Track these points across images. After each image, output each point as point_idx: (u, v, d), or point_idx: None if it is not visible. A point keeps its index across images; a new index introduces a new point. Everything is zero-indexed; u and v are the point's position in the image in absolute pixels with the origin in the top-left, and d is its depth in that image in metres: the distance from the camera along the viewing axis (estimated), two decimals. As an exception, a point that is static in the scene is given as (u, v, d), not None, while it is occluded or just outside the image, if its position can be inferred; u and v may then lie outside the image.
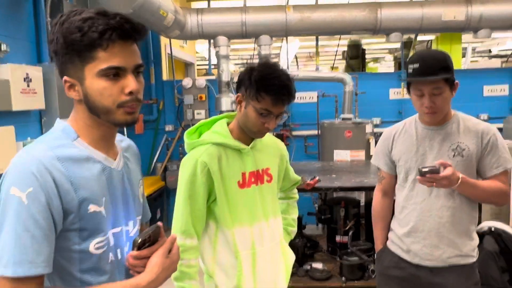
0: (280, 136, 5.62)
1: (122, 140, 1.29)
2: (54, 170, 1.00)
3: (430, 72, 1.78)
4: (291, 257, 1.88)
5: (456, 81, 1.87)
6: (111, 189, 1.13)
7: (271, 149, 1.81)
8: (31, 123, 3.63)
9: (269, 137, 1.84)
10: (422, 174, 1.71)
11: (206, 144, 1.67)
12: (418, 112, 1.95)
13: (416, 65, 1.81)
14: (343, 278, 3.52)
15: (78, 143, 1.09)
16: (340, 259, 3.57)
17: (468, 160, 1.88)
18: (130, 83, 1.06)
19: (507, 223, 4.47)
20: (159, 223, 1.15)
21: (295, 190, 2.08)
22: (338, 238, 3.86)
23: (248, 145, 1.70)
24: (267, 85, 1.56)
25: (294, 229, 2.04)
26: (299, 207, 5.16)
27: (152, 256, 1.10)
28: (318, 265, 3.69)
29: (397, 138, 2.04)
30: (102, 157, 1.13)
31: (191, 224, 1.64)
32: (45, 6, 3.78)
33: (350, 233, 3.64)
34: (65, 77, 1.07)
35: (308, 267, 3.66)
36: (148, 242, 1.11)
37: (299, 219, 4.20)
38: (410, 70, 1.84)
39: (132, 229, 1.21)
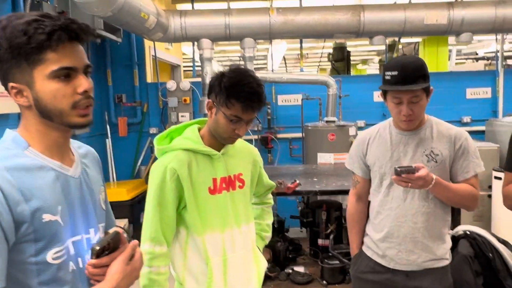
0: (265, 139, 5.62)
1: (80, 147, 1.27)
2: (2, 181, 0.97)
3: (410, 81, 1.78)
4: (263, 264, 1.87)
5: (431, 87, 1.88)
6: (68, 197, 1.10)
7: (243, 155, 1.81)
8: (9, 127, 3.57)
9: (241, 143, 1.84)
10: (397, 173, 1.72)
11: (176, 150, 1.66)
12: (394, 118, 1.95)
13: (395, 73, 1.80)
14: (324, 282, 3.52)
15: (29, 152, 1.06)
16: (321, 263, 3.57)
17: (442, 165, 1.90)
18: (83, 82, 1.05)
19: (488, 226, 4.52)
20: (119, 229, 1.13)
21: (270, 196, 2.08)
22: (320, 242, 3.86)
23: (219, 151, 1.69)
24: (237, 92, 1.55)
25: (269, 235, 2.02)
26: (283, 210, 5.17)
27: (112, 264, 1.07)
28: (299, 269, 3.69)
29: (371, 142, 2.04)
30: (57, 165, 1.10)
31: (161, 231, 1.63)
32: (24, 8, 3.74)
33: (331, 236, 3.64)
34: (11, 84, 1.03)
35: (290, 271, 3.66)
36: (107, 249, 1.08)
37: (281, 223, 4.21)
38: (387, 77, 1.83)
39: (93, 236, 1.18)
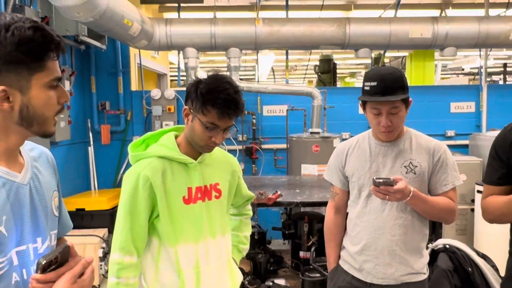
0: (249, 149, 5.60)
1: (32, 149, 1.22)
2: None
3: (389, 92, 1.78)
4: (238, 277, 1.83)
5: (410, 98, 1.87)
6: (15, 205, 1.05)
7: (221, 164, 1.78)
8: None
9: (220, 152, 1.81)
10: (376, 184, 1.72)
11: (150, 157, 1.62)
12: (373, 129, 1.94)
13: (374, 83, 1.80)
14: (305, 295, 3.47)
15: None
16: (302, 276, 3.53)
17: (420, 177, 1.89)
18: (65, 93, 1.10)
19: (471, 240, 4.53)
20: (69, 243, 1.07)
21: (249, 207, 2.04)
22: (302, 254, 3.82)
23: (196, 159, 1.66)
24: (213, 98, 1.53)
25: (246, 247, 1.98)
26: (265, 221, 5.14)
27: (58, 281, 1.01)
28: (280, 281, 3.64)
29: (350, 153, 2.03)
30: (3, 171, 1.05)
31: (131, 241, 1.58)
32: (5, 9, 3.68)
33: (313, 248, 3.61)
34: (2, 87, 1.00)
35: (270, 283, 3.60)
36: (54, 263, 1.01)
37: (263, 234, 4.16)
38: (367, 88, 1.83)
39: (41, 245, 1.13)
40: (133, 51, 5.75)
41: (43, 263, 0.99)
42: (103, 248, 4.34)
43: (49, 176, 1.23)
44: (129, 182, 1.59)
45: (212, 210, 1.70)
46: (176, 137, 1.69)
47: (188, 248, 1.63)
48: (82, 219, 4.46)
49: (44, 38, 1.01)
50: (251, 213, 2.04)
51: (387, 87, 1.78)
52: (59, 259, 1.01)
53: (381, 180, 1.71)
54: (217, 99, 1.53)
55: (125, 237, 1.58)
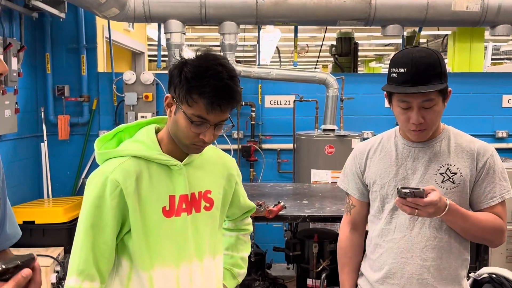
0: (247, 150, 5.62)
1: None
2: None
3: (422, 81, 1.79)
4: None
5: (450, 88, 1.88)
6: None
7: (215, 167, 1.77)
8: None
9: (213, 151, 1.81)
10: (401, 195, 1.72)
11: (123, 157, 1.61)
12: (402, 127, 1.96)
13: (403, 70, 1.82)
14: (313, 336, 3.48)
15: None
16: (310, 310, 3.53)
17: (460, 187, 1.91)
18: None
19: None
20: (34, 255, 1.07)
21: (248, 220, 2.05)
22: (310, 282, 3.82)
23: (182, 160, 1.65)
24: (201, 85, 1.48)
25: (243, 271, 1.99)
26: (264, 239, 5.15)
27: None
28: (282, 317, 3.64)
29: (371, 156, 2.05)
30: None
31: (92, 262, 1.57)
32: None
33: (324, 275, 3.61)
34: None
35: (269, 320, 3.61)
36: (11, 273, 1.01)
37: (262, 256, 4.16)
38: (394, 75, 1.84)
39: None
40: (100, 22, 5.75)
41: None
42: (57, 272, 4.35)
43: None
44: (94, 187, 1.58)
45: (200, 224, 1.69)
46: (157, 131, 1.68)
47: (167, 273, 1.62)
48: (31, 235, 4.46)
49: None
50: (251, 228, 2.05)
51: (419, 74, 1.79)
52: (18, 270, 1.02)
53: (407, 191, 1.72)
54: (206, 86, 1.48)
55: (84, 257, 1.56)
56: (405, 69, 1.80)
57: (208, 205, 1.71)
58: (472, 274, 2.55)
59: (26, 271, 1.04)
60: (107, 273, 1.62)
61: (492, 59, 12.56)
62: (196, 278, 1.67)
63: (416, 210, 1.73)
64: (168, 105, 1.59)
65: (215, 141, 5.11)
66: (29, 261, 1.04)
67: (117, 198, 1.56)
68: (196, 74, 1.50)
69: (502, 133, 5.75)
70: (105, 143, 1.69)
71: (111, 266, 1.63)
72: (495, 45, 11.96)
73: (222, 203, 1.77)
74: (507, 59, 13.85)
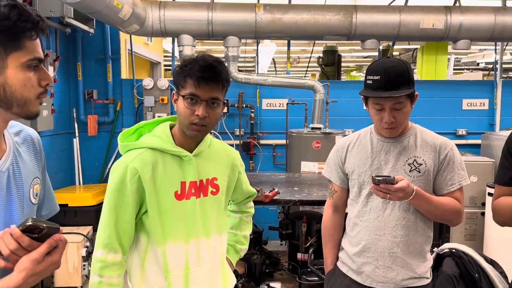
0: (247, 145, 5.60)
1: (18, 132, 1.28)
2: None
3: (392, 86, 1.78)
4: (231, 280, 1.80)
5: (416, 92, 1.88)
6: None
7: (220, 158, 1.74)
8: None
9: (220, 144, 1.79)
10: (375, 182, 1.71)
11: (141, 148, 1.60)
12: (376, 125, 1.96)
13: (377, 77, 1.80)
14: (301, 300, 3.49)
15: None
16: (299, 279, 3.54)
17: (425, 176, 1.90)
18: (47, 76, 1.13)
19: (481, 246, 4.54)
20: (59, 226, 1.09)
21: (251, 204, 2.02)
22: (299, 256, 3.84)
23: (192, 151, 1.63)
24: (190, 68, 1.50)
25: (244, 247, 1.96)
26: (261, 220, 5.14)
27: (23, 258, 1.03)
28: (276, 285, 3.66)
29: (351, 149, 2.04)
30: None
31: (115, 238, 1.56)
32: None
33: (311, 250, 3.61)
34: None
35: (265, 287, 3.62)
36: (37, 233, 1.03)
37: (259, 234, 4.17)
38: (369, 82, 1.83)
39: None
40: (123, 37, 5.74)
41: (27, 224, 1.01)
42: (87, 247, 4.34)
43: (32, 162, 1.27)
44: (116, 174, 1.57)
45: (207, 207, 1.66)
46: (172, 127, 1.66)
47: (178, 247, 1.60)
48: (65, 216, 4.46)
49: (20, 16, 1.03)
50: (252, 211, 2.03)
51: (390, 81, 1.78)
52: (44, 232, 1.04)
53: (380, 178, 1.71)
54: (193, 68, 1.50)
55: (109, 234, 1.56)
56: (379, 76, 1.79)
57: (214, 190, 1.68)
58: (435, 249, 2.55)
59: (57, 236, 1.07)
60: (128, 247, 1.62)
61: (454, 69, 12.55)
62: (203, 252, 1.65)
63: (388, 195, 1.73)
64: (174, 101, 1.59)
65: (220, 136, 5.06)
66: (54, 229, 1.06)
67: (136, 183, 1.55)
68: (188, 62, 1.52)
69: (462, 131, 5.75)
70: (127, 137, 1.68)
71: (131, 241, 1.63)
72: (457, 57, 11.94)
73: (226, 188, 1.75)
74: (467, 69, 13.83)
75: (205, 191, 1.66)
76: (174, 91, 1.61)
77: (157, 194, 1.58)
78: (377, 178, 1.71)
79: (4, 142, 1.18)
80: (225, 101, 5.32)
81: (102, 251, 1.56)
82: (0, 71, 1.06)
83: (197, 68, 1.49)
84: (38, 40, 1.11)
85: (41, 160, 1.33)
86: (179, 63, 1.61)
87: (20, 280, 1.02)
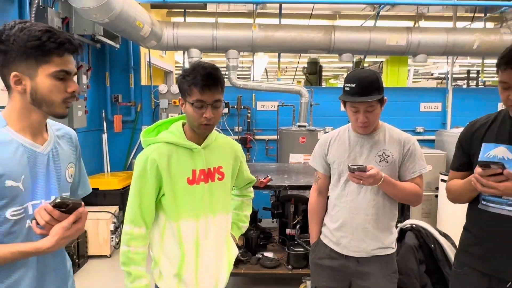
0: (244, 139, 5.59)
1: (59, 129, 1.38)
2: None
3: (366, 93, 1.78)
4: (234, 252, 1.80)
5: (385, 97, 1.88)
6: (33, 169, 1.21)
7: (225, 150, 1.73)
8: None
9: (225, 139, 1.77)
10: (351, 170, 1.72)
11: (159, 143, 1.60)
12: (352, 124, 1.96)
13: (353, 85, 1.80)
14: (290, 266, 3.50)
15: (5, 130, 1.19)
16: (288, 250, 3.55)
17: (391, 165, 1.91)
18: (74, 84, 1.21)
19: (435, 222, 4.59)
20: (81, 201, 1.20)
21: (251, 189, 2.00)
22: (288, 231, 3.82)
23: (200, 144, 1.63)
24: (193, 78, 1.51)
25: (245, 225, 1.95)
26: (256, 202, 5.13)
27: (56, 226, 1.14)
28: (269, 254, 3.66)
29: (332, 143, 2.04)
30: (28, 142, 1.21)
31: (140, 215, 1.58)
32: (30, 11, 3.64)
33: (298, 226, 3.62)
34: (14, 73, 1.15)
35: (260, 256, 3.62)
36: (65, 207, 1.13)
37: (255, 213, 4.17)
38: (347, 88, 1.83)
39: None
40: (143, 51, 5.71)
41: (57, 201, 1.12)
42: (114, 223, 4.35)
43: (69, 151, 1.36)
44: (139, 164, 1.58)
45: (214, 190, 1.66)
46: (184, 125, 1.66)
47: (189, 223, 1.60)
48: (96, 198, 4.47)
49: (49, 38, 1.13)
50: (252, 195, 2.00)
51: (364, 88, 1.78)
52: (70, 207, 1.14)
53: (355, 167, 1.72)
54: (196, 77, 1.50)
55: (134, 212, 1.57)
56: (355, 84, 1.80)
57: (220, 176, 1.68)
58: (399, 225, 2.56)
59: (81, 209, 1.17)
60: (150, 223, 1.62)
61: (413, 78, 12.57)
62: (210, 228, 1.65)
63: (361, 181, 1.74)
64: (181, 105, 1.59)
65: (222, 133, 5.06)
66: (77, 204, 1.17)
67: (155, 171, 1.55)
68: (189, 72, 1.53)
69: (419, 129, 5.77)
70: (149, 134, 1.68)
71: (153, 218, 1.63)
72: (415, 69, 11.96)
73: (230, 175, 1.74)
74: (423, 78, 13.87)
75: (212, 177, 1.65)
76: (180, 98, 1.59)
77: (172, 180, 1.58)
78: (352, 166, 1.72)
79: (47, 133, 1.28)
80: (226, 102, 5.36)
81: (130, 226, 1.58)
82: (33, 78, 1.15)
83: (199, 77, 1.49)
84: (67, 57, 1.18)
85: (76, 151, 1.41)
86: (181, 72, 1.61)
87: (53, 242, 1.13)
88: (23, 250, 1.14)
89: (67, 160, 1.35)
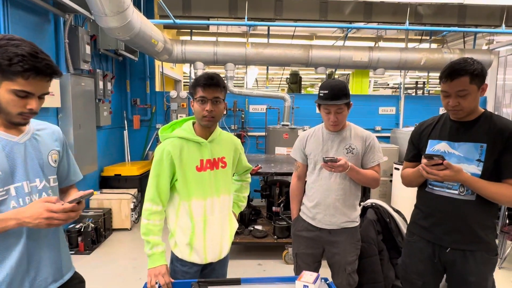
0: (239, 136, 5.58)
1: (40, 125, 1.29)
2: None
3: (336, 98, 1.80)
4: (235, 225, 1.79)
5: (351, 102, 1.88)
6: (9, 155, 1.13)
7: (227, 143, 1.72)
8: (49, 117, 3.42)
9: (228, 135, 1.76)
10: (325, 161, 1.74)
11: (173, 137, 1.60)
12: (325, 123, 1.96)
13: (326, 91, 1.81)
14: (275, 236, 3.51)
15: None
16: (274, 223, 3.57)
17: (356, 156, 1.92)
18: (34, 103, 1.10)
19: (389, 201, 4.64)
20: (93, 191, 1.17)
21: (248, 175, 1.97)
22: (274, 208, 3.84)
23: (207, 139, 1.62)
24: (198, 79, 1.54)
25: (244, 204, 1.93)
26: (249, 185, 5.11)
27: (39, 203, 1.07)
28: (258, 227, 3.67)
29: (309, 139, 2.04)
30: (2, 134, 1.14)
31: (157, 195, 1.57)
32: (64, 29, 3.56)
33: (282, 205, 3.64)
34: None
35: (252, 228, 3.63)
36: (78, 203, 1.10)
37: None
38: (321, 94, 1.84)
39: (39, 184, 1.20)
40: (157, 63, 5.64)
41: (75, 200, 1.10)
42: (134, 202, 4.31)
43: (49, 141, 1.28)
44: (157, 154, 1.58)
45: (219, 176, 1.65)
46: (194, 124, 1.66)
47: (198, 202, 1.60)
48: (119, 182, 4.42)
49: (19, 61, 1.03)
50: (249, 179, 1.98)
51: (335, 94, 1.79)
52: (82, 201, 1.13)
53: (328, 158, 1.74)
54: (199, 80, 1.54)
55: (153, 192, 1.56)
56: (327, 91, 1.81)
57: (223, 165, 1.67)
58: (362, 203, 2.58)
59: (78, 207, 1.11)
60: (166, 201, 1.61)
61: (373, 87, 12.65)
62: (215, 206, 1.64)
63: (332, 169, 1.76)
64: (192, 106, 1.60)
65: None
66: (88, 195, 1.13)
67: (169, 160, 1.55)
68: (197, 78, 1.56)
69: (378, 128, 5.81)
70: (166, 130, 1.67)
71: (167, 198, 1.61)
72: (375, 79, 12.04)
73: (231, 164, 1.73)
74: (381, 87, 13.95)
75: (217, 165, 1.64)
76: (191, 99, 1.60)
77: (183, 167, 1.57)
78: (326, 158, 1.74)
79: (24, 127, 1.21)
80: (226, 102, 5.31)
81: (149, 203, 1.57)
82: None
83: (202, 79, 1.53)
84: (35, 80, 1.06)
85: (61, 144, 1.33)
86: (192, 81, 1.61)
87: (33, 215, 1.06)
88: (4, 217, 1.06)
89: (48, 148, 1.26)
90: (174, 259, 1.65)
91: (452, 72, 1.47)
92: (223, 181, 1.67)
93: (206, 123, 1.58)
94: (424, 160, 1.49)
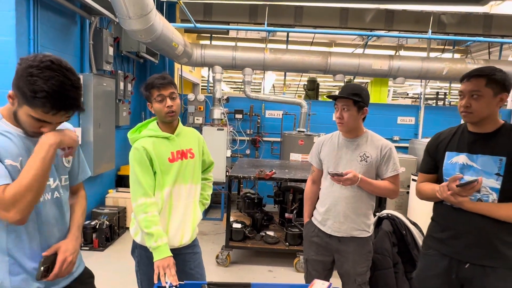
0: (254, 140, 5.59)
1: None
2: None
3: (345, 94, 1.83)
4: (198, 216, 1.83)
5: (366, 108, 1.86)
6: (29, 152, 1.14)
7: (191, 136, 1.81)
8: (71, 121, 3.52)
9: (189, 129, 1.85)
10: (331, 175, 1.79)
11: (143, 138, 1.68)
12: (338, 126, 1.95)
13: (340, 90, 1.87)
14: (287, 243, 3.49)
15: (1, 122, 1.16)
16: (286, 230, 3.54)
17: (370, 165, 1.89)
18: (48, 128, 1.13)
19: (406, 213, 4.53)
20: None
21: (211, 174, 2.01)
22: (286, 215, 3.82)
23: (173, 133, 1.71)
24: (152, 82, 1.65)
25: (208, 202, 1.95)
26: (262, 191, 5.09)
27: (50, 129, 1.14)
28: (270, 233, 3.65)
29: (324, 144, 2.04)
30: (22, 132, 1.16)
31: (148, 189, 1.63)
32: (89, 30, 3.68)
33: (295, 211, 3.61)
34: (12, 91, 1.10)
35: (263, 234, 3.62)
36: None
37: (260, 200, 4.17)
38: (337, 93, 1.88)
39: (52, 183, 1.24)
40: (177, 66, 5.72)
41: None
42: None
43: None
44: (135, 154, 1.65)
45: (188, 165, 1.74)
46: (158, 123, 1.74)
47: (168, 190, 1.68)
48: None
49: (43, 97, 1.04)
50: (212, 178, 2.00)
51: (344, 91, 1.84)
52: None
53: (333, 172, 1.78)
54: (154, 81, 1.65)
55: (144, 187, 1.62)
56: (342, 89, 1.86)
57: (191, 155, 1.76)
58: (377, 214, 2.53)
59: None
60: (152, 192, 1.66)
61: (392, 96, 12.47)
62: (182, 193, 1.72)
63: (340, 182, 1.79)
64: (150, 108, 1.70)
65: (236, 133, 5.00)
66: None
67: (147, 155, 1.64)
68: (146, 84, 1.67)
69: (396, 138, 5.73)
70: (133, 133, 1.74)
71: (154, 189, 1.66)
72: (394, 89, 11.86)
73: (198, 155, 1.82)
74: (400, 97, 13.73)
75: (185, 156, 1.74)
76: (148, 103, 1.70)
77: (157, 160, 1.65)
78: (331, 172, 1.79)
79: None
80: (240, 109, 5.35)
81: (143, 198, 1.62)
82: (19, 105, 1.10)
83: (156, 81, 1.65)
84: (55, 113, 1.07)
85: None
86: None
87: (51, 135, 1.14)
88: (34, 154, 1.10)
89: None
90: (137, 247, 1.72)
91: (471, 72, 1.48)
92: (191, 171, 1.75)
93: (170, 118, 1.67)
94: (453, 186, 1.45)
